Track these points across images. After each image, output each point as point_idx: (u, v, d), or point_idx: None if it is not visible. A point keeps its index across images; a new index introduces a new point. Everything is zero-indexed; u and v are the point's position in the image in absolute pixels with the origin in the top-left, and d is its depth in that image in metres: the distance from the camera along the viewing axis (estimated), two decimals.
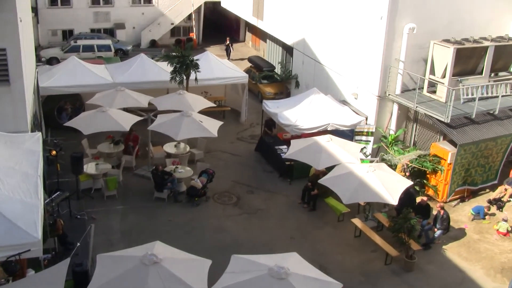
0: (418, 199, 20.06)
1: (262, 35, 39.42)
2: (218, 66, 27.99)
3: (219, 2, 43.36)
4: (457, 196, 22.04)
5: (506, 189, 21.70)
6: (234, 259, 13.36)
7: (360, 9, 23.95)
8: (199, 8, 43.67)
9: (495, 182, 22.53)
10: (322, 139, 20.59)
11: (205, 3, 43.80)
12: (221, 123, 22.46)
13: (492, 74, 23.35)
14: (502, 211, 21.26)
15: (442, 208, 19.37)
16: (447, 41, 22.20)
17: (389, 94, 23.20)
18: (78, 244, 15.90)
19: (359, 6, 24.07)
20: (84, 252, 16.06)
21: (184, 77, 25.19)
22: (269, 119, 25.40)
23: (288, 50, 33.16)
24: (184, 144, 23.84)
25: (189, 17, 43.74)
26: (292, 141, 21.45)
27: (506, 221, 20.06)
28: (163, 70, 26.23)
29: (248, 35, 44.98)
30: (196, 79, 25.20)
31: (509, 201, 21.66)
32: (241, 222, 20.08)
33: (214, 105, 26.16)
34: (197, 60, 25.69)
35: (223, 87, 29.47)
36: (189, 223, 19.72)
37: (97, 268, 12.60)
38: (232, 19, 44.81)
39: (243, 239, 18.77)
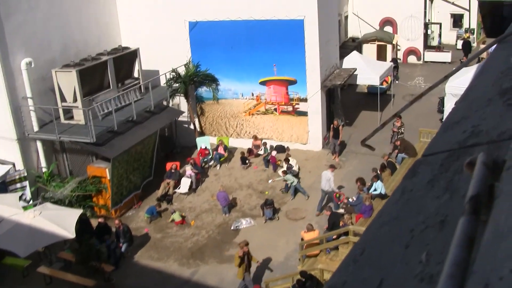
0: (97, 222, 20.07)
1: None
2: None
3: None
4: (130, 206, 22.77)
5: (168, 183, 23.14)
6: None
7: None
8: None
9: (151, 178, 23.92)
10: None
11: None
12: None
13: (120, 84, 24.41)
14: (172, 203, 22.63)
15: (120, 222, 19.72)
16: (68, 65, 22.27)
17: (28, 134, 22.32)
18: None
19: None
20: None
21: None
22: None
23: None
24: None
25: None
26: None
27: (177, 211, 21.47)
28: None
29: None
30: None
31: (175, 192, 23.18)
32: None
33: None
34: None
35: None
36: None
37: None
38: None
39: None
